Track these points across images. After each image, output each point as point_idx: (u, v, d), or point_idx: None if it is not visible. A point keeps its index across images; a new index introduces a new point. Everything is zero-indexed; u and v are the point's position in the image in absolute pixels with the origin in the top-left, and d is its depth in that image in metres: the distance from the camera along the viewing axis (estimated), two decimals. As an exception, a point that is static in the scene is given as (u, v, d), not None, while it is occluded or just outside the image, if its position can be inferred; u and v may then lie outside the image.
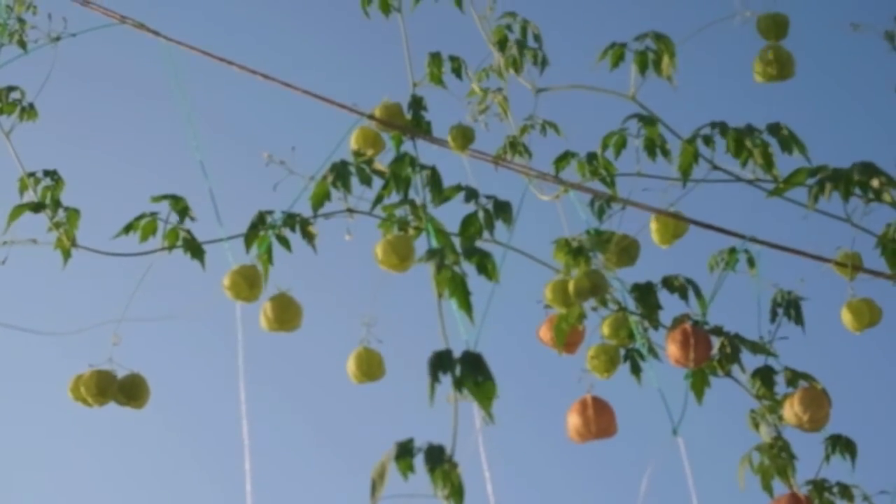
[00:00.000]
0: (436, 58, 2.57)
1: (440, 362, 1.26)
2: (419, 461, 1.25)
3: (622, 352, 2.25)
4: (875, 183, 1.94)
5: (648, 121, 2.20)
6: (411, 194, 2.15)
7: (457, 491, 1.23)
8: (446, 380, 1.31)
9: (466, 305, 1.65)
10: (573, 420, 2.07)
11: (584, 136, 2.43)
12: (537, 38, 2.46)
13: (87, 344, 2.36)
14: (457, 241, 2.05)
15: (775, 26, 2.19)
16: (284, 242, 2.20)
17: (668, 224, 2.24)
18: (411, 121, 2.43)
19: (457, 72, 2.57)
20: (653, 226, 2.26)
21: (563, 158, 2.38)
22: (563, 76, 2.40)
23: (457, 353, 1.33)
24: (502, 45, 2.46)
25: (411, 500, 1.26)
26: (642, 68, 2.18)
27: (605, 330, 2.22)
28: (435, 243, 1.97)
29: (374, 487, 1.22)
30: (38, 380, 4.47)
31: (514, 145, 2.53)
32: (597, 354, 2.20)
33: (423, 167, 2.13)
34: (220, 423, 4.35)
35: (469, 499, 1.29)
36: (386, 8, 2.56)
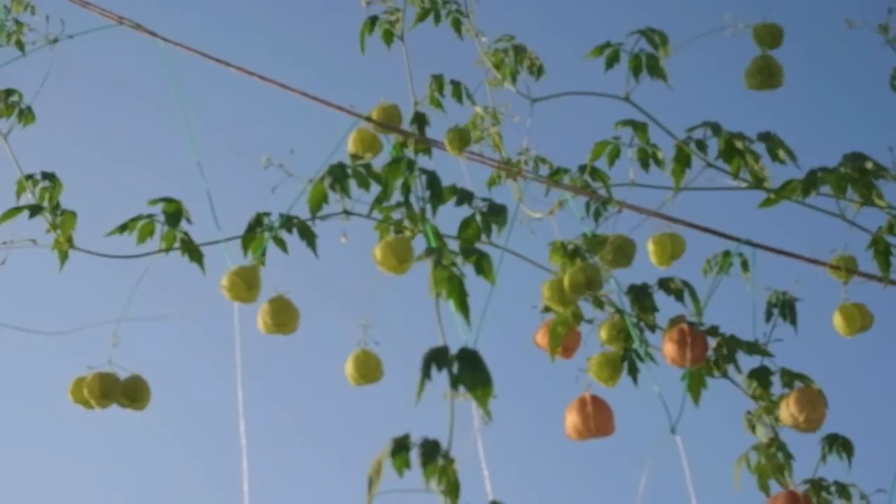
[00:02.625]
0: (437, 80, 2.58)
1: (436, 359, 1.26)
2: (416, 458, 1.25)
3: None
4: (868, 165, 1.96)
5: (639, 126, 2.22)
6: (410, 198, 2.15)
7: (453, 487, 1.24)
8: (443, 379, 1.31)
9: (464, 307, 1.65)
10: (571, 418, 2.07)
11: (582, 139, 2.44)
12: (532, 61, 2.48)
13: (84, 345, 2.36)
14: (454, 245, 2.05)
15: (770, 36, 2.24)
16: (280, 244, 2.20)
17: (666, 246, 2.27)
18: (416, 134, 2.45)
19: (457, 96, 2.58)
20: (650, 248, 2.28)
21: (556, 174, 2.39)
22: (558, 81, 2.42)
23: (454, 353, 1.33)
24: (499, 66, 2.49)
25: (409, 496, 1.26)
26: (636, 71, 2.19)
27: (602, 334, 2.21)
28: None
29: (371, 484, 1.22)
30: (35, 380, 4.47)
31: (510, 164, 2.55)
32: (599, 363, 2.20)
33: (422, 171, 2.14)
34: (217, 422, 4.34)
35: (467, 498, 1.29)
36: (388, 38, 2.58)
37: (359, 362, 2.19)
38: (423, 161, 2.34)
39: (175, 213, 2.29)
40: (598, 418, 2.04)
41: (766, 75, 2.22)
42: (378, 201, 2.13)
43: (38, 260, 2.45)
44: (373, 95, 2.51)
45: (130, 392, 2.29)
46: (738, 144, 2.14)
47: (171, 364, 4.38)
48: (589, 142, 2.32)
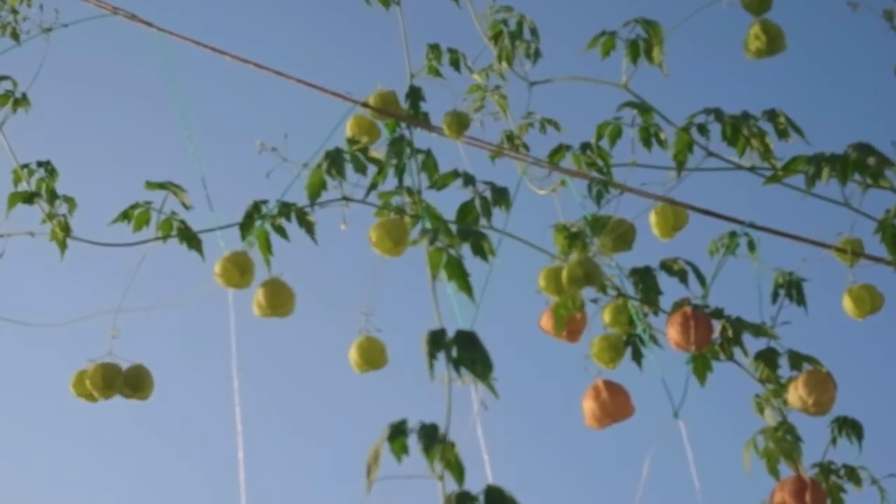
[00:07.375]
0: (435, 49, 2.55)
1: (436, 341, 1.24)
2: (415, 443, 1.23)
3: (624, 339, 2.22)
4: (871, 161, 1.92)
5: (643, 108, 2.19)
6: (407, 181, 2.13)
7: (455, 468, 1.21)
8: (440, 367, 1.29)
9: (466, 286, 1.63)
10: (589, 406, 2.05)
11: (579, 125, 2.42)
12: (534, 31, 2.45)
13: (78, 339, 2.34)
14: (453, 228, 2.03)
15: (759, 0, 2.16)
16: (281, 232, 2.19)
17: (668, 217, 2.22)
18: (409, 111, 2.42)
19: (455, 64, 2.56)
20: (652, 219, 2.24)
21: (558, 151, 2.37)
22: (556, 67, 2.39)
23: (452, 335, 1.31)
24: (498, 39, 2.45)
25: (406, 484, 1.24)
26: (634, 57, 2.16)
27: (606, 317, 2.19)
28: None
29: (369, 470, 1.20)
30: (29, 374, 4.47)
31: (511, 138, 2.52)
32: (600, 345, 2.18)
33: (418, 151, 2.11)
34: (213, 411, 4.34)
35: (466, 483, 1.27)
36: (385, 2, 2.55)
37: (363, 349, 2.17)
38: (419, 142, 2.31)
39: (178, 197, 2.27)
40: (614, 402, 2.02)
41: (765, 41, 2.15)
42: (374, 185, 2.12)
43: (30, 253, 2.44)
44: (369, 76, 2.49)
45: (133, 382, 2.26)
46: (744, 130, 2.10)
47: (168, 353, 4.37)
48: (587, 127, 2.29)
